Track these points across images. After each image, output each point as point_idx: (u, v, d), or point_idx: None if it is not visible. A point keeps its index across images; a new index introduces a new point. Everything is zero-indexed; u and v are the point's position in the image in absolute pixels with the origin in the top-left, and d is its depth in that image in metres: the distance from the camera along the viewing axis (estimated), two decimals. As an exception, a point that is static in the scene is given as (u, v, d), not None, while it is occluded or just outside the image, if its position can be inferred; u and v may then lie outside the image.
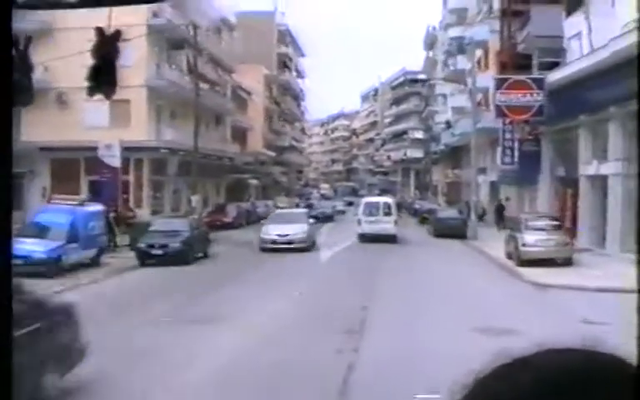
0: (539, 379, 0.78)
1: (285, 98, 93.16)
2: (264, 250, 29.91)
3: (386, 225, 34.91)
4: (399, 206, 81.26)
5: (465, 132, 53.45)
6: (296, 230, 30.68)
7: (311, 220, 35.05)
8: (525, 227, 23.86)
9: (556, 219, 26.11)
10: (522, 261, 22.97)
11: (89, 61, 4.81)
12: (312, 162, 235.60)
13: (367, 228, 34.83)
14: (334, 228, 45.10)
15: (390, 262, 25.87)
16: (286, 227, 30.67)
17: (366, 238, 34.06)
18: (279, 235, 29.94)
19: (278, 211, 40.85)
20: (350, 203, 78.11)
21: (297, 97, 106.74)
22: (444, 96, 77.02)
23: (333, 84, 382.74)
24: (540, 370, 0.79)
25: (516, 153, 38.89)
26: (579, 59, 29.18)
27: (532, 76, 32.85)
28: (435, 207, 55.65)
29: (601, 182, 27.12)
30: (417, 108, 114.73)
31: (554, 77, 30.93)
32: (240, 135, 69.01)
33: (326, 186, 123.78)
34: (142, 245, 23.50)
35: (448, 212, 39.91)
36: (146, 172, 42.74)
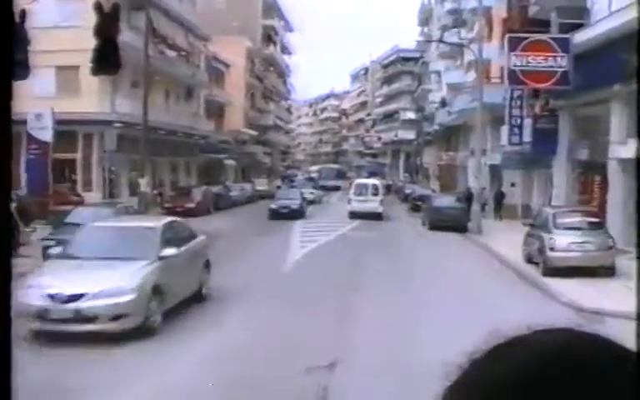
0: (537, 357, 0.77)
1: (269, 74, 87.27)
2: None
3: (373, 204, 38.84)
4: (388, 188, 76.31)
5: (464, 110, 48.00)
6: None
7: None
8: (554, 224, 18.26)
9: (594, 214, 20.61)
10: (549, 269, 17.51)
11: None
12: (300, 143, 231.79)
13: (357, 207, 38.62)
14: (299, 233, 29.53)
15: (378, 262, 20.59)
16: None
17: (356, 215, 37.49)
18: None
19: None
20: (336, 188, 71.94)
21: (283, 73, 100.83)
22: (438, 73, 71.61)
23: (323, 63, 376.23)
24: (536, 348, 0.79)
25: (525, 132, 33.42)
26: (609, 17, 23.65)
27: (554, 35, 27.25)
28: (428, 192, 50.10)
29: (636, 166, 21.68)
30: (409, 88, 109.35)
31: (580, 38, 25.38)
32: (216, 111, 63.22)
33: (315, 168, 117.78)
34: (50, 242, 17.72)
35: (446, 200, 34.13)
36: (96, 150, 37.01)
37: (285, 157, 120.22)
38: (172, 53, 45.17)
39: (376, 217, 37.18)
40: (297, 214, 37.18)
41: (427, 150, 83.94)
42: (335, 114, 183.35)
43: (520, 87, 30.41)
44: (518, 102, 35.05)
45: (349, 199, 40.14)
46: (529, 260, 19.70)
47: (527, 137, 33.48)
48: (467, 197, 36.95)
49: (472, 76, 51.77)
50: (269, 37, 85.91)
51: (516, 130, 34.74)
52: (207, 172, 56.67)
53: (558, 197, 29.26)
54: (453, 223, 31.00)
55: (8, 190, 1.01)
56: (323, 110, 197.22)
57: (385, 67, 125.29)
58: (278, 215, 36.85)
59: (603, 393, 0.74)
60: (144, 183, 28.44)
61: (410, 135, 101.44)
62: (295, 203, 38.87)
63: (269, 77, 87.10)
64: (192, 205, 37.47)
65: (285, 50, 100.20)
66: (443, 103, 60.97)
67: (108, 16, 8.92)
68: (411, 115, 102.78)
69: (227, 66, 65.57)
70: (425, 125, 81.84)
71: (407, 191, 57.28)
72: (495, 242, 25.10)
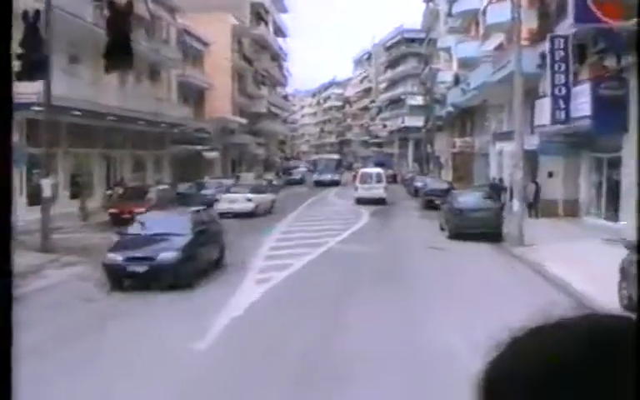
0: (576, 339, 0.77)
1: (261, 56, 78.72)
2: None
3: (377, 191, 41.85)
4: (393, 178, 68.47)
5: (484, 84, 39.49)
6: None
7: None
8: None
9: None
10: None
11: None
12: (303, 134, 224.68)
13: (363, 193, 41.56)
14: (264, 257, 19.66)
15: (376, 315, 12.20)
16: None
17: (361, 201, 40.12)
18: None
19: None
20: (334, 183, 63.85)
21: (278, 56, 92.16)
22: (448, 50, 63.06)
23: (326, 50, 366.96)
24: (577, 331, 0.79)
25: (575, 104, 25.03)
26: None
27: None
28: (443, 185, 41.62)
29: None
30: (415, 71, 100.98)
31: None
32: (194, 96, 54.89)
33: (316, 158, 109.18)
34: None
35: (473, 198, 25.02)
36: (18, 140, 28.66)
37: (283, 148, 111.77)
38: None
39: (380, 202, 40.63)
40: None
41: (438, 137, 75.50)
42: (338, 103, 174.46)
43: (591, 25, 21.88)
44: (562, 67, 26.62)
45: (356, 187, 43.38)
46: (628, 303, 11.39)
47: (577, 111, 25.08)
48: (497, 192, 28.64)
49: (491, 44, 43.25)
50: (258, 15, 77.36)
51: (561, 102, 26.32)
52: (185, 166, 48.42)
53: (630, 192, 20.85)
54: (485, 229, 22.60)
55: (9, 190, 1.01)
56: (326, 99, 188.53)
57: (389, 49, 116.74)
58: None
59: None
60: (47, 184, 20.02)
61: (418, 122, 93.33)
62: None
63: (261, 59, 78.55)
64: (142, 210, 29.08)
65: (279, 32, 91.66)
66: (456, 81, 52.42)
67: (120, 11, 9.09)
68: (418, 100, 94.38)
69: (205, 44, 57.08)
70: (435, 109, 73.27)
71: (418, 183, 48.66)
72: (554, 262, 16.64)
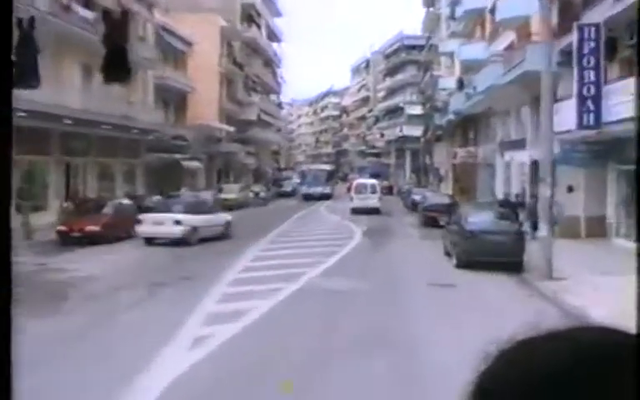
0: (571, 350, 0.76)
1: (252, 61, 74.47)
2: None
3: (372, 201, 43.22)
4: (389, 189, 64.33)
5: (493, 87, 35.25)
6: None
7: None
8: None
9: None
10: None
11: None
12: (300, 144, 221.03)
13: (358, 203, 42.76)
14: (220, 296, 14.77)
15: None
16: None
17: (356, 211, 41.03)
18: None
19: None
20: (324, 197, 59.43)
21: (271, 62, 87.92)
22: (451, 55, 58.97)
23: (323, 59, 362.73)
24: (570, 342, 0.78)
25: (609, 105, 20.79)
26: None
27: None
28: (445, 199, 37.34)
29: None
30: (414, 79, 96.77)
31: None
32: (175, 100, 50.58)
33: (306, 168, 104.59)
34: None
35: (489, 218, 19.92)
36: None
37: (277, 158, 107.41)
38: (87, 13, 32.54)
39: (374, 211, 41.78)
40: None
41: (438, 147, 71.41)
42: (335, 112, 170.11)
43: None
44: (592, 61, 22.38)
45: (351, 197, 44.44)
46: None
47: (610, 114, 20.85)
48: (512, 210, 24.35)
49: (501, 43, 39.01)
50: (250, 17, 73.16)
51: (589, 104, 22.05)
52: (162, 176, 44.09)
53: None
54: (503, 257, 18.25)
55: (9, 191, 1.02)
56: (324, 108, 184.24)
57: (388, 57, 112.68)
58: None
59: (634, 388, 0.72)
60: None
61: (416, 131, 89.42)
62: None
63: (252, 64, 74.27)
64: (95, 228, 24.75)
65: (273, 36, 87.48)
66: (460, 85, 48.13)
67: (117, 23, 9.07)
68: (417, 109, 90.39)
69: (188, 44, 52.80)
70: (435, 118, 69.04)
71: (416, 197, 44.35)
72: (601, 307, 12.26)
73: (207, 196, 40.34)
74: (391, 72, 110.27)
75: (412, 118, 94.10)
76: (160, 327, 11.45)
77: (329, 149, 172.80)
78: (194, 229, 25.34)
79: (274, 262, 19.57)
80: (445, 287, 16.15)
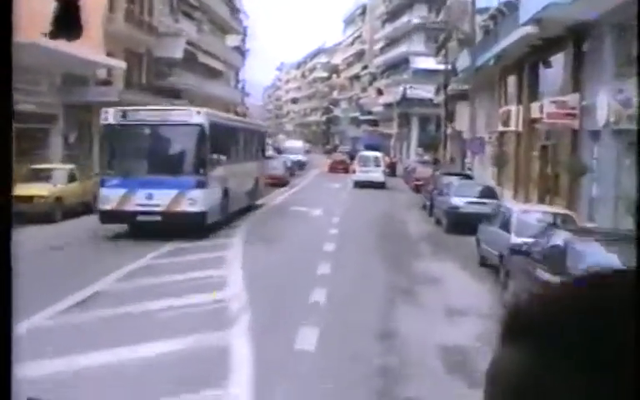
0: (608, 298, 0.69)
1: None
2: None
3: (376, 174, 43.56)
4: (392, 167, 55.60)
5: None
6: None
7: None
8: None
9: None
10: None
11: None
12: (288, 112, 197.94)
13: (362, 176, 43.15)
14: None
15: None
16: None
17: (359, 185, 41.75)
18: None
19: None
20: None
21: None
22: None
23: (315, 17, 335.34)
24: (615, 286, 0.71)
25: None
26: None
27: None
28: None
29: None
30: (424, 20, 71.44)
31: None
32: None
33: (289, 144, 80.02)
34: None
35: None
36: None
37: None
38: None
39: (379, 186, 42.03)
40: None
41: (460, 109, 47.60)
42: (325, 74, 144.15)
43: None
44: None
45: (354, 170, 45.42)
46: None
47: None
48: None
49: None
50: None
51: None
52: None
53: None
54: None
55: (9, 189, 1.03)
56: (312, 70, 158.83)
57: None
58: None
59: None
60: None
61: (426, 92, 65.36)
62: None
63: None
64: None
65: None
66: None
67: None
68: (428, 62, 66.29)
69: None
70: (460, 64, 44.52)
71: (441, 197, 21.33)
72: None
73: None
74: (393, 15, 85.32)
75: (421, 74, 70.35)
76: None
77: (318, 117, 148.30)
78: None
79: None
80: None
